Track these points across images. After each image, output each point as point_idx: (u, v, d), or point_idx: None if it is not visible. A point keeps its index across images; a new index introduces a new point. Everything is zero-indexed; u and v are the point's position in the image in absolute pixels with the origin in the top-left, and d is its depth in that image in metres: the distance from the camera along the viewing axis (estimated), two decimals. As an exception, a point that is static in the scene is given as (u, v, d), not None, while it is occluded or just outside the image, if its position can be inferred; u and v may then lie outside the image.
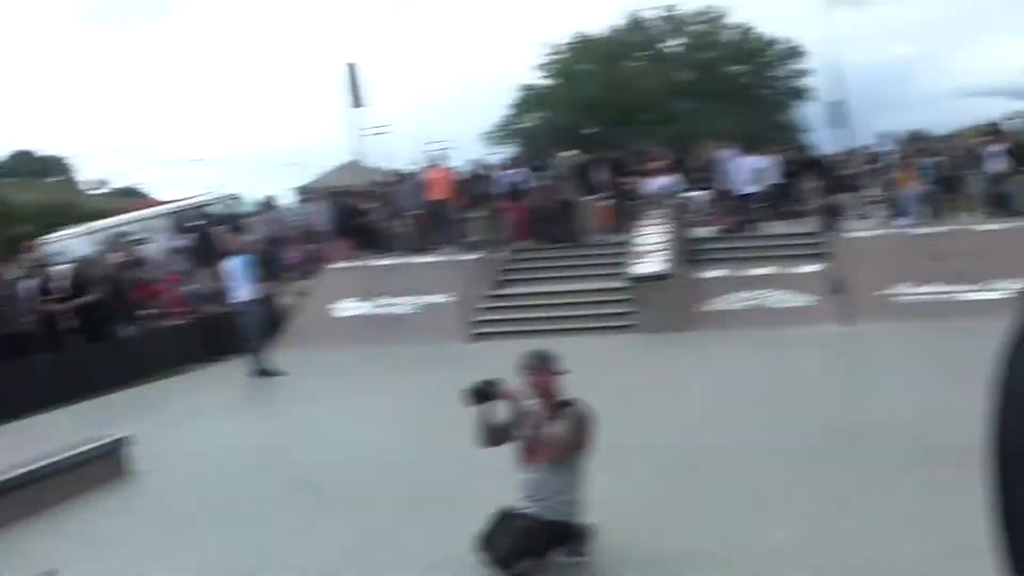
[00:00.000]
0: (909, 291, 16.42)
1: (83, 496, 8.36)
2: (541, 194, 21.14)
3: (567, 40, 62.15)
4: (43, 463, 8.34)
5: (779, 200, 21.09)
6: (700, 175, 22.33)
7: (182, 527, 7.50)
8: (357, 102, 27.36)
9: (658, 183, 19.60)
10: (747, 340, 15.12)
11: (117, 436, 9.23)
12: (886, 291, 16.43)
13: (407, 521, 7.19)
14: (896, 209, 20.16)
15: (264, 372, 15.00)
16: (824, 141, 42.10)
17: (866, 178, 23.56)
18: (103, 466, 8.93)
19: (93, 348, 15.33)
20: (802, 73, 58.90)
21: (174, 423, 12.14)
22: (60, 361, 14.62)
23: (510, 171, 21.25)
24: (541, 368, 5.75)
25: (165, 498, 8.47)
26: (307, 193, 28.40)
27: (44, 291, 14.99)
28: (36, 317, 14.68)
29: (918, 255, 16.60)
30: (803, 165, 21.39)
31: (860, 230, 19.25)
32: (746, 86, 59.77)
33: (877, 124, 62.14)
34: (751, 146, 22.06)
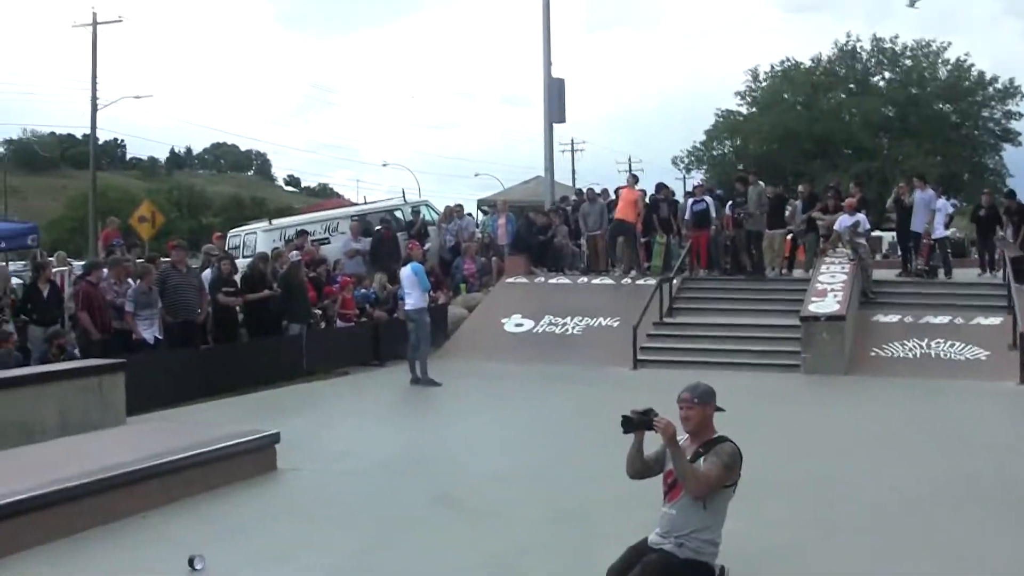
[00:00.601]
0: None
1: (230, 487, 8.48)
2: (725, 224, 20.59)
3: (773, 68, 60.95)
4: (194, 452, 8.49)
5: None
6: (891, 214, 21.38)
7: (321, 526, 7.54)
8: (556, 117, 27.20)
9: (847, 220, 18.82)
10: (914, 389, 14.57)
11: (268, 432, 9.35)
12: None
13: (542, 544, 7.07)
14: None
15: (423, 381, 15.00)
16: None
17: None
18: (252, 460, 9.05)
19: (260, 343, 15.69)
20: (1014, 115, 55.93)
21: (328, 423, 12.28)
22: (227, 353, 15.02)
23: (697, 198, 20.73)
24: (696, 402, 5.43)
25: (309, 496, 8.56)
26: (491, 205, 28.49)
27: (222, 282, 15.38)
28: (211, 307, 15.07)
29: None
30: (1005, 212, 20.10)
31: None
32: (953, 125, 57.12)
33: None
34: (950, 188, 21.03)
